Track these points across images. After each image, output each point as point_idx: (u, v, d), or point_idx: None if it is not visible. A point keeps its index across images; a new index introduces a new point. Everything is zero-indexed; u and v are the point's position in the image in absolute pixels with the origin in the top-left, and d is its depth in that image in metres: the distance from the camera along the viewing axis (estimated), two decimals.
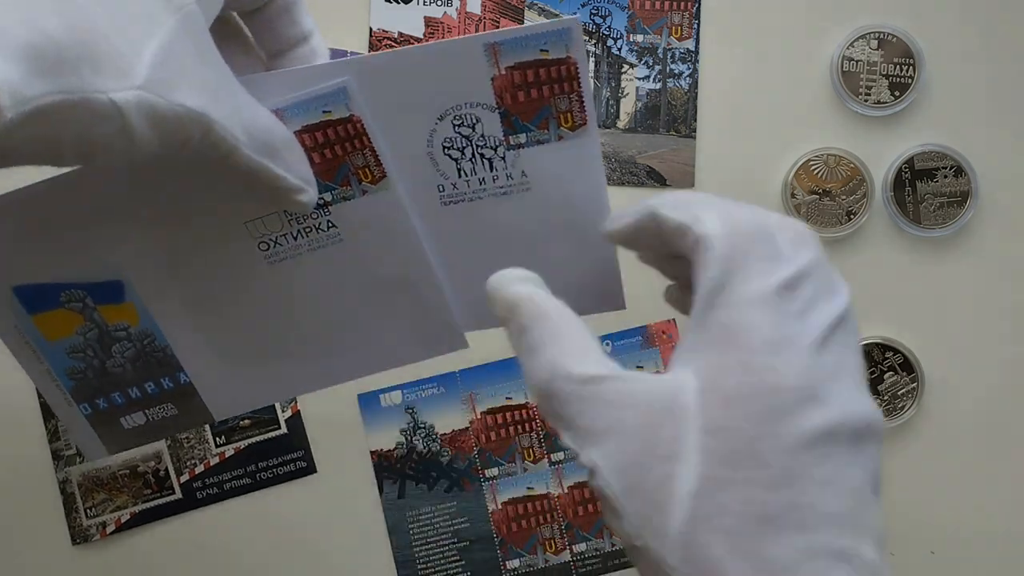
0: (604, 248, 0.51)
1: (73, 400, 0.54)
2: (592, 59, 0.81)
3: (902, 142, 0.79)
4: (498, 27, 0.80)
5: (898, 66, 0.78)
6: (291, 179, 0.46)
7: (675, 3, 0.80)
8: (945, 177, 0.78)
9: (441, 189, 0.50)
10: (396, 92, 0.47)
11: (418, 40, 0.79)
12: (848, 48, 0.78)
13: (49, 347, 0.53)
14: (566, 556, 0.79)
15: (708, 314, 0.35)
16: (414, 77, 0.46)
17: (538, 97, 0.47)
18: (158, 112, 0.36)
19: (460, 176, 0.49)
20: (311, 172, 0.47)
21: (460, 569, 0.79)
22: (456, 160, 0.49)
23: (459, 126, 0.48)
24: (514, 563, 0.79)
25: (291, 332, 0.54)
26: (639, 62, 0.80)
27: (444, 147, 0.48)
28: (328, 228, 0.50)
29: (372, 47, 0.80)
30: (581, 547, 0.79)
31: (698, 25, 0.80)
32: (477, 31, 0.79)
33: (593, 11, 0.80)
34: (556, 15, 0.80)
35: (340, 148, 0.48)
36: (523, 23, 0.80)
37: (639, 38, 0.80)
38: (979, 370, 0.81)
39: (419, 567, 0.79)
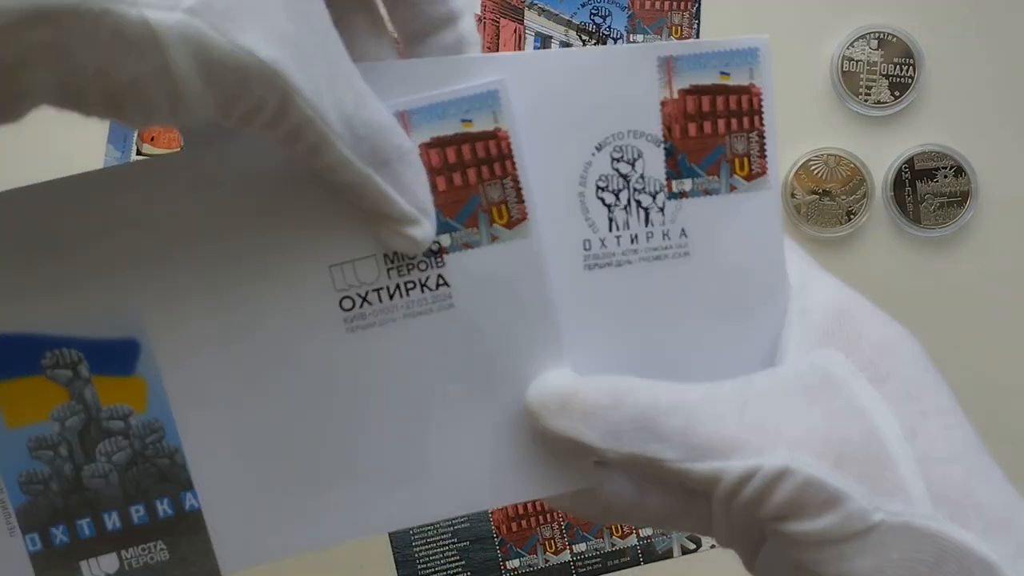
0: (773, 332, 0.41)
1: (18, 526, 0.35)
2: None
3: (902, 142, 0.79)
4: (498, 29, 0.75)
5: (898, 66, 0.78)
6: (403, 204, 0.35)
7: (675, 3, 0.80)
8: (945, 177, 0.78)
9: (587, 246, 0.39)
10: (555, 106, 0.38)
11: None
12: (848, 48, 0.78)
13: (3, 436, 0.35)
14: (566, 556, 0.79)
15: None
16: (577, 89, 0.38)
17: (712, 133, 0.40)
18: (212, 53, 0.27)
19: (611, 229, 0.40)
20: (431, 200, 0.37)
21: (460, 569, 0.78)
22: (609, 207, 0.39)
23: (618, 160, 0.39)
24: (514, 563, 0.79)
25: (361, 437, 0.38)
26: None
27: (599, 187, 0.39)
28: (437, 286, 0.38)
29: None
30: (581, 547, 0.80)
31: (698, 25, 0.80)
32: (478, 32, 0.74)
33: (593, 11, 0.79)
34: (556, 15, 0.76)
35: (475, 173, 0.38)
36: (523, 24, 0.76)
37: (639, 38, 0.80)
38: (979, 369, 0.79)
39: (419, 567, 0.78)
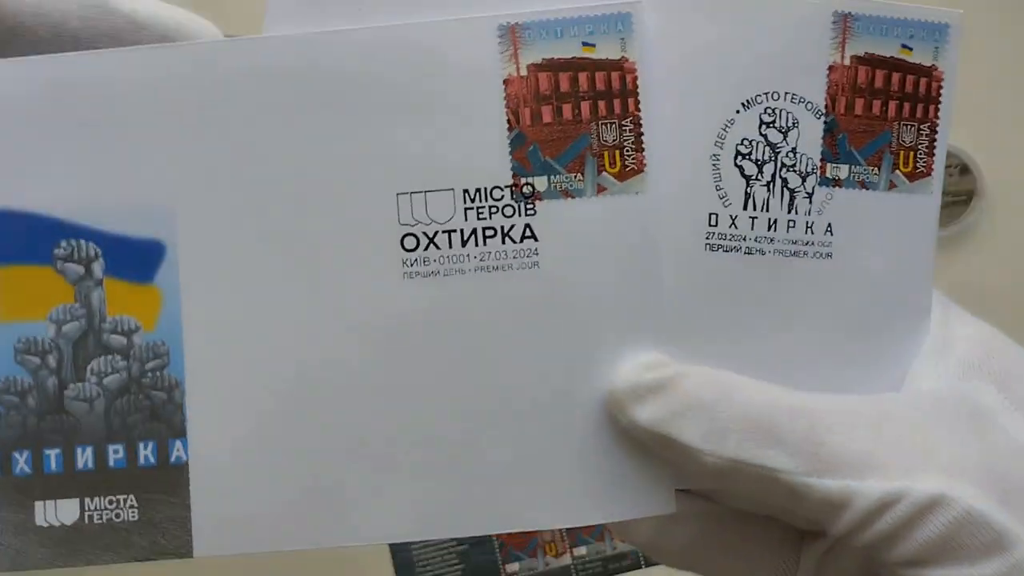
0: (907, 359, 0.33)
1: None
2: None
3: None
4: None
5: None
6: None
7: None
8: (950, 176, 0.76)
9: (713, 221, 0.32)
10: (700, 46, 0.31)
11: None
12: None
13: None
14: (567, 559, 0.77)
15: None
16: (731, 33, 0.31)
17: (881, 115, 0.32)
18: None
19: (746, 207, 0.32)
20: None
21: (460, 573, 0.76)
22: (748, 179, 0.32)
23: (769, 125, 0.32)
24: (513, 567, 0.77)
25: (399, 418, 0.30)
26: None
27: (739, 152, 0.32)
28: (523, 239, 0.30)
29: None
30: (582, 550, 0.78)
31: None
32: None
33: None
34: None
35: (589, 107, 0.30)
36: None
37: None
38: None
39: (418, 570, 0.75)
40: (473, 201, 0.30)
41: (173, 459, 0.29)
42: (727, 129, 0.31)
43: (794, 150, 0.32)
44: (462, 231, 0.30)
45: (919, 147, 0.33)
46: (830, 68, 0.32)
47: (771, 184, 0.32)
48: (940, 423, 0.30)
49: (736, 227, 0.32)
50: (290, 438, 0.29)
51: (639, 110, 0.30)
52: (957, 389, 0.31)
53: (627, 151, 0.30)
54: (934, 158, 0.33)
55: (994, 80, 0.81)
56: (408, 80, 0.29)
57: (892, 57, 0.32)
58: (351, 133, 0.29)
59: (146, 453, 0.29)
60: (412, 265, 0.30)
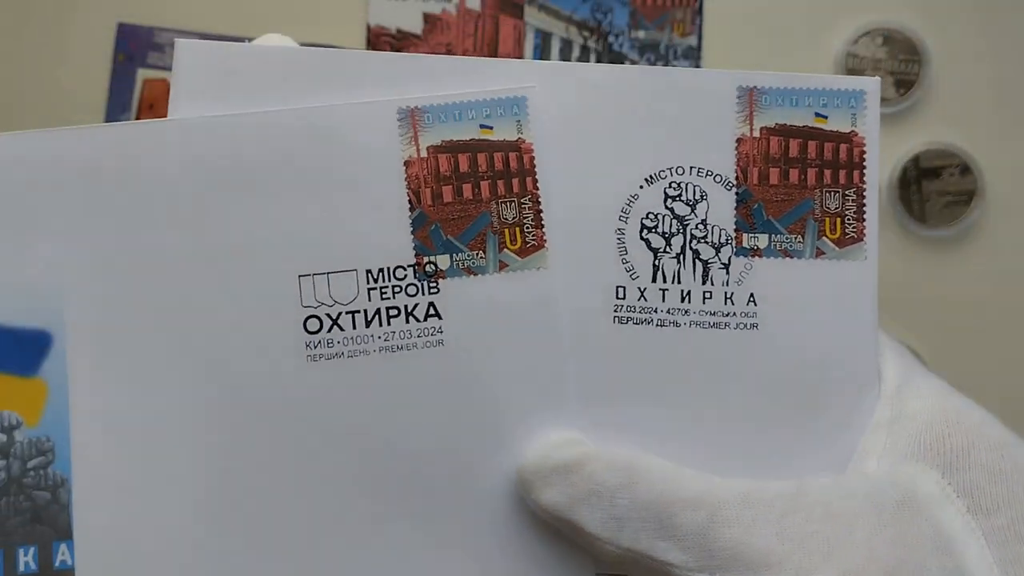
0: (850, 439, 0.31)
1: None
2: (593, 56, 0.74)
3: (907, 140, 0.76)
4: (497, 25, 0.70)
5: (904, 63, 0.76)
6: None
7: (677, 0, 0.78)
8: (951, 175, 0.76)
9: (620, 294, 0.31)
10: (599, 125, 0.31)
11: (416, 37, 0.73)
12: (853, 44, 0.76)
13: None
14: None
15: None
16: (629, 109, 0.31)
17: (799, 183, 0.32)
18: None
19: (655, 280, 0.31)
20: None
21: None
22: (656, 252, 0.31)
23: (674, 199, 0.32)
24: None
25: (305, 502, 0.30)
26: (641, 58, 0.77)
27: (645, 226, 0.31)
28: (426, 317, 0.31)
29: (370, 44, 0.74)
30: None
31: (701, 20, 0.78)
32: (477, 29, 0.70)
33: (595, 7, 0.77)
34: (556, 11, 0.71)
35: (489, 187, 0.31)
36: (523, 20, 0.71)
37: (641, 34, 0.77)
38: (985, 369, 0.77)
39: None
40: (376, 281, 0.31)
41: (57, 564, 0.29)
42: (631, 204, 0.31)
43: (704, 222, 0.31)
44: (366, 311, 0.30)
45: (846, 213, 0.32)
46: (738, 140, 0.31)
47: (681, 256, 0.31)
48: (856, 516, 0.27)
49: (645, 299, 0.31)
50: (191, 527, 0.30)
51: (537, 188, 0.31)
52: (895, 474, 0.29)
53: (527, 228, 0.31)
54: (864, 223, 0.32)
55: (994, 80, 0.81)
56: (310, 162, 0.30)
57: (806, 126, 0.32)
58: (251, 214, 0.30)
59: (26, 559, 0.29)
60: (316, 347, 0.30)
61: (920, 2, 0.84)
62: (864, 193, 0.32)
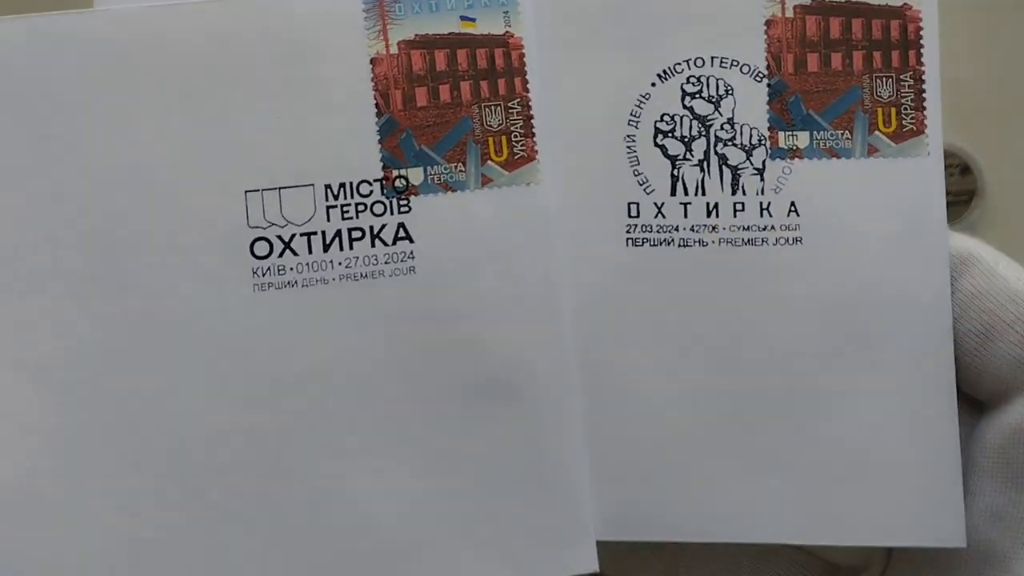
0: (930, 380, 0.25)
1: None
2: None
3: None
4: None
5: None
6: None
7: None
8: (951, 176, 0.73)
9: (633, 212, 0.26)
10: (597, 11, 0.26)
11: None
12: None
13: None
14: None
15: None
16: None
17: (843, 69, 0.26)
18: None
19: (674, 193, 0.26)
20: None
21: None
22: (674, 159, 0.26)
23: (693, 96, 0.26)
24: None
25: (248, 453, 0.25)
26: None
27: (659, 130, 0.26)
28: (395, 240, 0.26)
29: None
30: None
31: None
32: None
33: None
34: None
35: (470, 88, 0.26)
36: None
37: None
38: None
39: None
40: (337, 198, 0.26)
41: None
42: (642, 105, 0.26)
43: (730, 121, 0.26)
44: (324, 233, 0.25)
45: (902, 102, 0.26)
46: (768, 22, 0.26)
47: (705, 163, 0.26)
48: None
49: (663, 216, 0.26)
50: (118, 492, 0.25)
51: (527, 90, 0.26)
52: None
53: (515, 137, 0.26)
54: (925, 112, 0.26)
55: (994, 80, 0.79)
56: (261, 59, 0.25)
57: (850, 1, 0.26)
58: (187, 119, 0.25)
59: None
60: (264, 275, 0.25)
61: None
62: (923, 77, 0.26)
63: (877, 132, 0.26)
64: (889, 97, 0.26)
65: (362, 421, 0.25)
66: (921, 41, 0.26)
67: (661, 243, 0.26)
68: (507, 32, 0.26)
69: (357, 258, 0.25)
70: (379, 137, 0.26)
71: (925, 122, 0.26)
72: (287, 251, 0.25)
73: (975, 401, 0.26)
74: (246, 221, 0.25)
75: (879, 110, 0.26)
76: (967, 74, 0.80)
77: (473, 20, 0.26)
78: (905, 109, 0.26)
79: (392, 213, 0.26)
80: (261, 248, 0.25)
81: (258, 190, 0.26)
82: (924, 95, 0.26)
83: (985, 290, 0.25)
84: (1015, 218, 0.78)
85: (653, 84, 0.26)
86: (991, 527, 0.25)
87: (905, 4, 0.26)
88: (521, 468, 0.25)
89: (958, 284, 0.25)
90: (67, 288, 0.25)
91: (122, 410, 0.25)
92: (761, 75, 0.26)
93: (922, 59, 0.26)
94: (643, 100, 0.26)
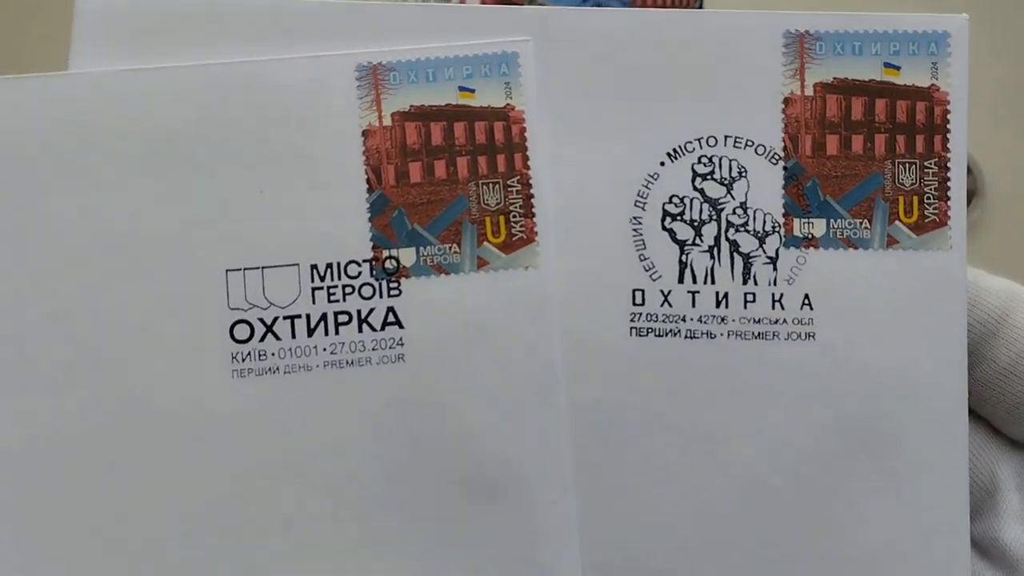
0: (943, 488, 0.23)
1: None
2: None
3: None
4: None
5: None
6: None
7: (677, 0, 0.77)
8: None
9: (639, 299, 0.24)
10: (606, 86, 0.25)
11: None
12: None
13: None
14: None
15: None
16: (646, 65, 0.25)
17: (864, 154, 0.25)
18: None
19: (682, 280, 0.24)
20: None
21: None
22: (682, 244, 0.25)
23: (705, 177, 0.25)
24: None
25: (220, 546, 0.23)
26: None
27: (667, 212, 0.25)
28: (384, 326, 0.24)
29: None
30: None
31: None
32: None
33: (595, 5, 0.74)
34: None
35: (467, 165, 0.24)
36: None
37: None
38: None
39: None
40: (323, 279, 0.24)
41: None
42: (650, 185, 0.25)
43: (743, 205, 0.25)
44: (309, 317, 0.24)
45: (925, 190, 0.24)
46: (786, 101, 0.25)
47: (715, 249, 0.24)
48: None
49: (670, 304, 0.24)
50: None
51: (528, 167, 0.24)
52: None
53: (514, 217, 0.24)
54: (949, 203, 0.24)
55: (994, 80, 0.78)
56: (245, 129, 0.24)
57: (873, 81, 0.25)
58: (169, 192, 0.24)
59: None
60: (244, 360, 0.24)
61: (920, 2, 0.83)
62: (948, 165, 0.24)
63: (898, 222, 0.24)
64: (912, 185, 0.24)
65: (342, 520, 0.24)
66: (948, 126, 0.24)
67: (667, 333, 0.24)
68: (508, 105, 0.25)
69: (343, 344, 0.24)
70: (369, 215, 0.24)
71: (949, 213, 0.24)
72: (269, 335, 0.24)
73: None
74: (226, 302, 0.24)
75: (901, 198, 0.24)
76: (967, 98, 0.82)
77: (472, 91, 0.25)
78: (928, 198, 0.24)
79: (381, 296, 0.24)
80: (241, 331, 0.24)
81: (239, 269, 0.24)
82: (949, 184, 0.24)
83: None
84: (1015, 218, 0.79)
85: (662, 163, 0.25)
86: None
87: (933, 85, 0.24)
88: (509, 573, 0.24)
89: (1014, 319, 0.24)
90: (30, 372, 0.23)
91: (87, 506, 0.23)
92: (777, 157, 0.25)
93: (948, 145, 0.24)
94: (651, 180, 0.25)
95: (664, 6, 0.72)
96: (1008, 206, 0.79)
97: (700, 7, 0.72)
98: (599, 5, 0.74)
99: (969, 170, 0.74)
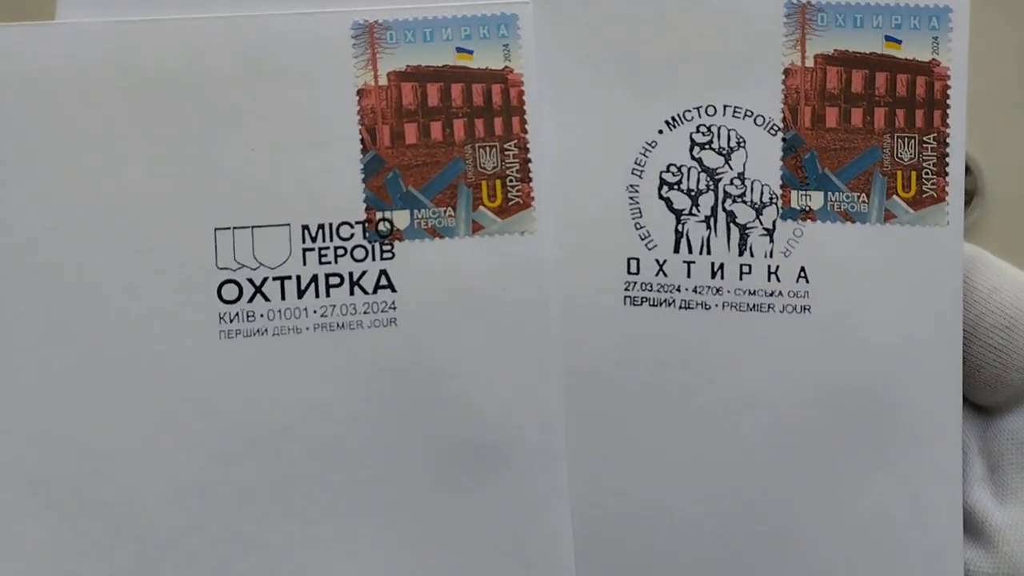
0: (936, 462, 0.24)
1: None
2: None
3: None
4: None
5: None
6: None
7: None
8: None
9: (632, 268, 0.24)
10: (607, 52, 0.25)
11: None
12: None
13: None
14: None
15: None
16: (647, 32, 0.25)
17: (863, 127, 0.25)
18: None
19: (677, 250, 0.24)
20: None
21: None
22: (679, 214, 0.24)
23: (703, 147, 0.24)
24: None
25: (206, 515, 0.23)
26: None
27: (664, 181, 0.24)
28: (376, 289, 0.24)
29: None
30: None
31: None
32: None
33: None
34: None
35: (464, 127, 0.24)
36: None
37: None
38: None
39: None
40: (314, 240, 0.24)
41: None
42: (647, 153, 0.24)
43: (741, 176, 0.24)
44: (299, 278, 0.24)
45: (924, 165, 0.24)
46: (786, 72, 0.24)
47: (712, 219, 0.24)
48: None
49: (665, 274, 0.24)
50: (62, 553, 0.23)
51: (526, 131, 0.24)
52: None
53: (510, 181, 0.24)
54: (947, 178, 0.24)
55: (995, 78, 0.79)
56: (236, 85, 0.23)
57: (874, 54, 0.25)
58: (157, 147, 0.23)
59: None
60: (232, 321, 0.23)
61: None
62: (947, 140, 0.24)
63: (895, 197, 0.24)
64: (910, 160, 0.24)
65: (331, 485, 0.23)
66: (948, 101, 0.24)
67: (661, 303, 0.24)
68: (506, 67, 0.24)
69: (334, 306, 0.24)
70: (363, 176, 0.24)
71: (946, 189, 0.24)
72: (258, 296, 0.23)
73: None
74: (214, 262, 0.23)
75: (899, 173, 0.24)
76: (967, 74, 0.81)
77: (470, 52, 0.24)
78: (926, 173, 0.24)
79: (374, 259, 0.24)
80: (230, 292, 0.23)
81: (229, 228, 0.24)
82: (947, 159, 0.24)
83: (1001, 285, 0.24)
84: (1015, 218, 0.79)
85: (660, 131, 0.24)
86: None
87: (933, 60, 0.24)
88: (502, 543, 0.23)
89: (973, 281, 0.24)
90: (13, 328, 0.23)
91: (70, 465, 0.23)
92: (776, 128, 0.24)
93: (947, 120, 0.24)
94: (649, 148, 0.24)
95: None
96: (1008, 206, 0.80)
97: None
98: None
99: (969, 170, 0.74)
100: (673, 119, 0.24)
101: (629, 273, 0.24)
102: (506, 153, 0.24)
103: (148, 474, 0.23)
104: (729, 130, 0.24)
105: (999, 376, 0.24)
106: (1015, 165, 0.79)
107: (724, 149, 0.24)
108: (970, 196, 0.74)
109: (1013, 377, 0.24)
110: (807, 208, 0.24)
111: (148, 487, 0.23)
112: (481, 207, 0.24)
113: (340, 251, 0.24)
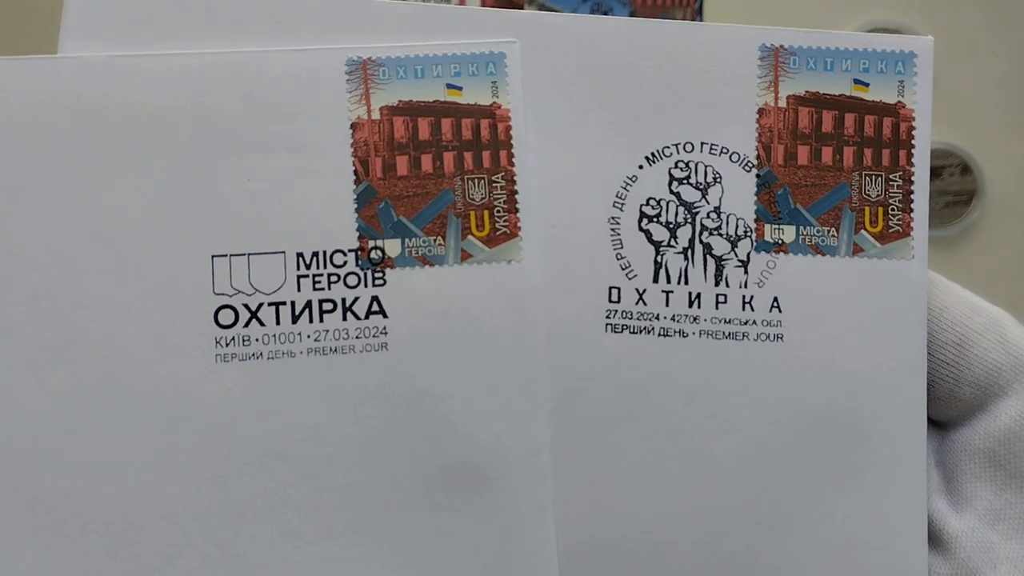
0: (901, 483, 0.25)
1: None
2: None
3: None
4: None
5: None
6: None
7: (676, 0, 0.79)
8: (951, 175, 0.75)
9: (614, 296, 0.25)
10: (591, 91, 0.26)
11: None
12: None
13: None
14: None
15: None
16: (629, 72, 0.26)
17: (833, 165, 0.26)
18: None
19: (656, 280, 0.25)
20: None
21: None
22: (658, 247, 0.26)
23: (681, 181, 0.26)
24: None
25: (202, 535, 0.24)
26: None
27: (645, 214, 0.26)
28: (368, 314, 0.25)
29: None
30: None
31: (700, 21, 0.77)
32: None
33: (594, 7, 0.78)
34: (555, 11, 0.70)
35: (454, 160, 0.25)
36: None
37: None
38: None
39: None
40: (308, 267, 0.25)
41: None
42: (628, 187, 0.25)
43: (717, 210, 0.26)
44: (293, 304, 0.24)
45: (890, 202, 0.26)
46: (760, 111, 0.26)
47: (689, 251, 0.25)
48: None
49: (644, 303, 0.25)
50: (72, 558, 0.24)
51: (513, 164, 0.25)
52: None
53: (498, 212, 0.25)
54: (912, 215, 0.26)
55: (994, 80, 0.80)
56: (234, 117, 0.24)
57: (843, 96, 0.26)
58: (156, 176, 0.24)
59: None
60: (228, 345, 0.24)
61: (919, 2, 0.84)
62: (912, 178, 0.26)
63: (863, 231, 0.25)
64: (877, 196, 0.26)
65: (322, 506, 0.24)
66: (913, 141, 0.26)
67: (641, 331, 0.25)
68: (495, 103, 0.25)
69: (327, 331, 0.24)
70: (356, 205, 0.25)
71: (912, 224, 0.25)
72: (253, 321, 0.24)
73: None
74: (211, 288, 0.24)
75: (867, 208, 0.26)
76: (967, 74, 0.82)
77: (460, 89, 0.25)
78: (892, 210, 0.26)
79: (366, 285, 0.25)
80: (226, 316, 0.24)
81: (225, 255, 0.24)
82: (912, 196, 0.26)
83: (951, 303, 0.26)
84: (1015, 218, 0.80)
85: (640, 166, 0.26)
86: (990, 530, 0.25)
87: (899, 102, 0.26)
88: (489, 562, 0.24)
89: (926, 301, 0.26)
90: (14, 351, 0.24)
91: (68, 485, 0.23)
92: (751, 164, 0.26)
93: (912, 160, 0.26)
94: (630, 182, 0.25)
95: (664, 7, 0.73)
96: (1008, 206, 0.81)
97: (700, 8, 0.74)
98: (600, 5, 0.75)
99: (969, 170, 0.76)
100: (653, 155, 0.26)
101: (610, 301, 0.25)
102: (494, 185, 0.25)
103: (145, 494, 0.24)
104: (706, 166, 0.26)
105: (952, 391, 0.26)
106: (1015, 165, 0.80)
107: (701, 184, 0.26)
108: (970, 196, 0.76)
109: (965, 392, 0.26)
110: (780, 241, 0.25)
111: (145, 507, 0.24)
112: (470, 236, 0.25)
113: (333, 278, 0.25)
